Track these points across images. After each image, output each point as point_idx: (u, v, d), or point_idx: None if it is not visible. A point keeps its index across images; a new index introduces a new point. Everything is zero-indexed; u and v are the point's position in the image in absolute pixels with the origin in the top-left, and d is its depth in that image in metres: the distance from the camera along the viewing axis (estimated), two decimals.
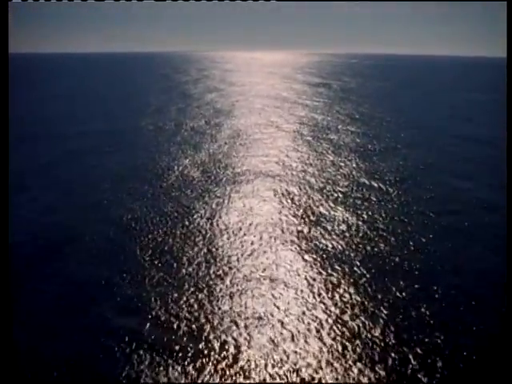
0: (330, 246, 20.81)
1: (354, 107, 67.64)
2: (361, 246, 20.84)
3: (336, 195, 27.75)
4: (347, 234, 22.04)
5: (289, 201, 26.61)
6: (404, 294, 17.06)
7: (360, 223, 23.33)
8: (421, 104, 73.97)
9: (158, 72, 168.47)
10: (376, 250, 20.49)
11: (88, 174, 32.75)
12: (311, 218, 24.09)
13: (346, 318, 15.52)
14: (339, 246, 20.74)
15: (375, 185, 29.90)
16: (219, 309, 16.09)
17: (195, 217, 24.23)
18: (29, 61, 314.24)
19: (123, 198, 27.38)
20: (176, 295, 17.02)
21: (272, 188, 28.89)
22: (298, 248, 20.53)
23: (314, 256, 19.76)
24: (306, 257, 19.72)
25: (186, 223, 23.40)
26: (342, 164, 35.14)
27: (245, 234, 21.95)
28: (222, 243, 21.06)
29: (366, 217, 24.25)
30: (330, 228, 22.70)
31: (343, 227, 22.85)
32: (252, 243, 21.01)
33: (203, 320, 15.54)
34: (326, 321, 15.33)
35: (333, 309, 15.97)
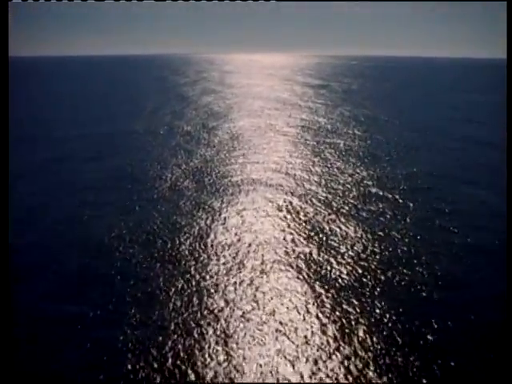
0: (344, 272, 17.70)
1: (357, 109, 64.63)
2: (379, 272, 17.75)
3: (346, 208, 24.68)
4: (362, 257, 18.96)
5: (292, 215, 23.53)
6: (437, 336, 13.99)
7: (376, 244, 20.24)
8: (425, 105, 70.99)
9: (156, 74, 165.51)
10: (398, 278, 17.42)
11: (67, 184, 29.68)
12: (319, 236, 21.02)
13: (369, 373, 12.45)
14: (354, 274, 17.63)
15: (388, 195, 26.87)
16: (212, 360, 13.00)
17: (186, 236, 21.12)
18: (27, 64, 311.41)
19: (105, 213, 24.31)
20: (160, 340, 13.94)
21: (273, 200, 25.80)
22: (306, 276, 17.43)
23: (326, 287, 16.65)
24: (317, 287, 16.63)
25: (176, 244, 20.29)
26: (350, 171, 32.08)
27: (243, 258, 18.86)
28: (217, 270, 17.96)
29: (382, 235, 21.18)
30: (342, 250, 19.59)
31: (357, 248, 19.76)
32: (252, 269, 17.92)
33: (192, 375, 12.47)
34: (345, 377, 12.26)
35: (352, 361, 12.88)
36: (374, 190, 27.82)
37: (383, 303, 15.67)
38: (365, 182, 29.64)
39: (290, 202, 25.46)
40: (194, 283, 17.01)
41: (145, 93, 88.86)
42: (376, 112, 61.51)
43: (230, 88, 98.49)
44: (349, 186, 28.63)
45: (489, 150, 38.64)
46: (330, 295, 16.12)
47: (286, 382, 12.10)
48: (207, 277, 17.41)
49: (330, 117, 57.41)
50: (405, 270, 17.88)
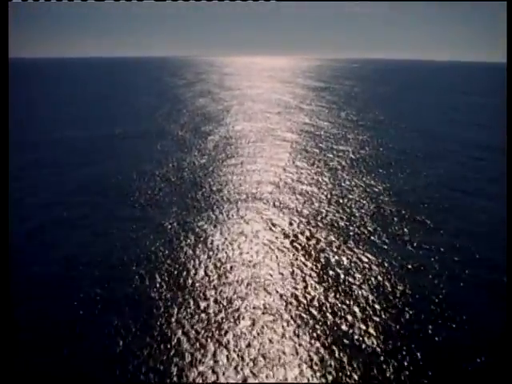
0: (368, 341, 13.19)
1: (360, 112, 60.49)
2: (416, 335, 13.44)
3: (358, 233, 20.48)
4: (386, 307, 14.66)
5: (300, 245, 19.26)
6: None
7: (400, 286, 15.94)
8: (431, 108, 66.90)
9: (154, 76, 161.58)
10: (440, 336, 13.21)
11: (40, 192, 25.75)
12: (329, 275, 16.72)
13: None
14: (382, 341, 13.29)
15: (406, 214, 22.67)
16: None
17: (165, 271, 16.94)
18: (26, 66, 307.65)
19: (78, 233, 20.21)
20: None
21: (275, 223, 21.50)
22: (321, 335, 13.18)
23: (348, 353, 12.40)
24: (336, 354, 12.39)
25: (151, 284, 16.08)
26: (362, 184, 27.91)
27: (238, 305, 14.63)
28: (202, 327, 13.68)
29: (410, 278, 16.69)
30: (361, 299, 15.15)
31: (378, 296, 15.37)
32: (250, 326, 13.67)
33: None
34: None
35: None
36: (387, 209, 23.58)
37: None
38: (380, 197, 25.47)
39: (297, 226, 21.23)
40: (173, 344, 12.80)
41: (140, 95, 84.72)
42: (381, 115, 57.41)
43: (228, 90, 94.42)
44: (358, 203, 24.44)
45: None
46: (356, 371, 11.87)
47: (287, 381, 11.21)
48: (184, 340, 13.08)
49: (334, 121, 53.32)
50: (443, 332, 13.63)
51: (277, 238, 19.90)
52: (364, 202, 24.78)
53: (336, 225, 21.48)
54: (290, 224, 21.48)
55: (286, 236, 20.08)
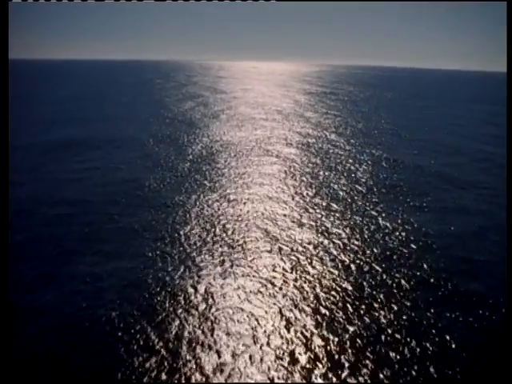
0: None
1: (369, 122, 52.43)
2: None
3: (380, 295, 12.40)
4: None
5: (306, 306, 11.23)
6: None
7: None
8: (446, 119, 58.96)
9: (142, 78, 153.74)
10: None
11: None
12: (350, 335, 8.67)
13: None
14: None
15: (434, 281, 14.61)
16: None
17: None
18: (24, 67, 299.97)
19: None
20: None
21: (273, 281, 13.64)
22: None
23: None
24: None
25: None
26: (380, 221, 19.77)
27: None
28: None
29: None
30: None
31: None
32: None
33: None
34: None
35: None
36: (425, 271, 15.50)
37: None
38: (410, 236, 17.33)
39: (302, 284, 13.17)
40: None
41: (121, 96, 76.56)
42: (392, 126, 49.36)
43: (220, 93, 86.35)
44: (380, 247, 16.38)
45: None
46: None
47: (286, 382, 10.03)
48: None
49: (336, 131, 45.21)
50: None
51: (276, 300, 11.70)
52: (381, 245, 16.60)
53: (348, 275, 13.29)
54: (296, 293, 13.32)
55: (292, 302, 11.90)
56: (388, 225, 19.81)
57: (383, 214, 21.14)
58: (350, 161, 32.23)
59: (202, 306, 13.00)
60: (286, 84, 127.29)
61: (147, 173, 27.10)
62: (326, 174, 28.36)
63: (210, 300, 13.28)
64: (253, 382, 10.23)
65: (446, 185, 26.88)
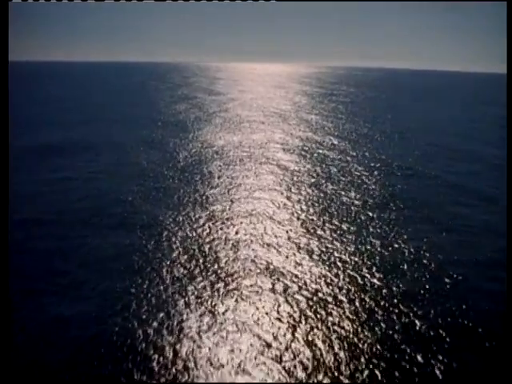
0: None
1: (373, 125, 49.18)
2: None
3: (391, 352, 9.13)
4: None
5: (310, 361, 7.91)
6: None
7: None
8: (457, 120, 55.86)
9: (136, 80, 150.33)
10: None
11: None
12: None
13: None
14: None
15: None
16: None
17: None
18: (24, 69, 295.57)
19: None
20: None
21: (267, 331, 10.30)
22: None
23: None
24: None
25: None
26: (389, 249, 16.51)
27: None
28: None
29: None
30: None
31: None
32: None
33: None
34: None
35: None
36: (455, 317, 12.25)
37: None
38: (443, 266, 14.06)
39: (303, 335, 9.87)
40: None
41: (111, 98, 73.19)
42: (400, 129, 46.11)
43: (215, 95, 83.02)
44: (406, 284, 13.10)
45: None
46: None
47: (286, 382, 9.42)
48: None
49: (340, 135, 41.96)
50: None
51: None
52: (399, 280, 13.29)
53: (358, 320, 9.98)
54: (297, 344, 10.00)
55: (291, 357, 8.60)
56: (412, 250, 16.53)
57: (405, 236, 17.88)
58: (359, 169, 28.97)
59: (183, 379, 9.68)
60: (285, 85, 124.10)
61: (129, 184, 23.72)
62: (333, 186, 25.07)
63: (195, 370, 9.94)
64: (253, 382, 9.59)
65: (470, 199, 23.63)
